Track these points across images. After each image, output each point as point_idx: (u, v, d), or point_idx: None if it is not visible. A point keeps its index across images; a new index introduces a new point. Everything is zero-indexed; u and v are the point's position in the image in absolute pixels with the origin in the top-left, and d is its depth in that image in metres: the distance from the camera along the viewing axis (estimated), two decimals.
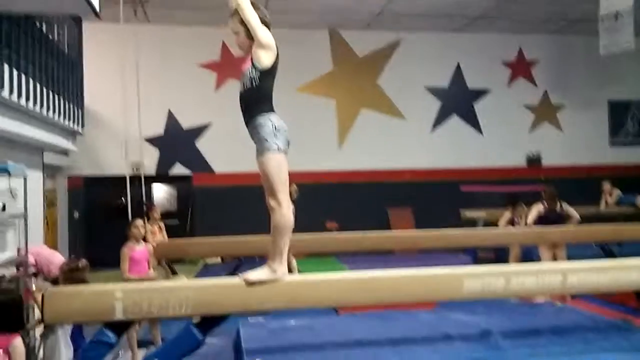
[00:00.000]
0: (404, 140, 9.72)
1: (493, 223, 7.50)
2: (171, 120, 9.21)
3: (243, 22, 2.52)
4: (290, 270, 6.51)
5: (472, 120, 10.15)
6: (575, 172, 9.96)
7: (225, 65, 9.34)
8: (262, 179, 2.46)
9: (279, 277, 2.34)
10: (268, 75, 2.53)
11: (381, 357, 3.23)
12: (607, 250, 4.65)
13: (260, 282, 2.30)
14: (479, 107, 10.19)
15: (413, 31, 9.76)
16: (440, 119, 10.02)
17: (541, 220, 6.28)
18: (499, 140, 10.03)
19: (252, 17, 2.48)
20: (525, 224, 6.39)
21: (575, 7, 8.70)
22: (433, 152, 9.79)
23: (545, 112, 10.38)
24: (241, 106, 2.59)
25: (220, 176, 9.25)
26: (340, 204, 9.25)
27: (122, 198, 8.54)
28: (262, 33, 2.50)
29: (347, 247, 4.40)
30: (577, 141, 10.29)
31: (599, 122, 10.59)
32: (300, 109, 9.49)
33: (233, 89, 9.30)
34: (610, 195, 8.78)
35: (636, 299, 4.34)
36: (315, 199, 8.61)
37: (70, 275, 3.75)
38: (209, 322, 2.37)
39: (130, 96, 8.43)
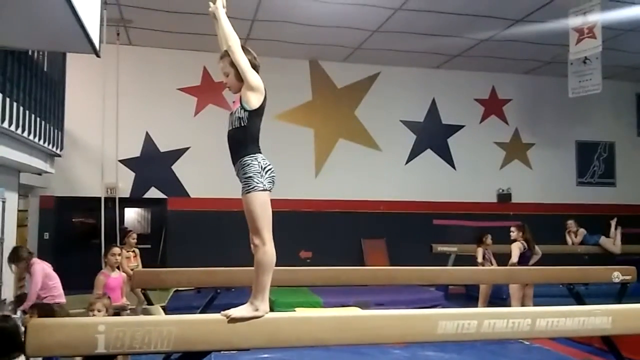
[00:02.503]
0: (380, 172, 9.88)
1: (464, 257, 7.68)
2: (148, 142, 9.18)
3: (233, 64, 2.60)
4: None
5: (445, 154, 10.39)
6: (543, 210, 10.25)
7: (205, 91, 9.40)
8: (246, 216, 2.52)
9: (261, 315, 2.38)
10: (256, 116, 2.62)
11: None
12: (573, 291, 4.80)
13: (243, 320, 2.34)
14: (453, 142, 10.45)
15: (391, 65, 10.01)
16: (415, 152, 10.23)
17: (522, 257, 6.45)
18: (471, 176, 10.29)
19: (242, 61, 2.58)
20: (511, 263, 6.47)
21: (547, 50, 9.08)
22: (407, 184, 9.97)
23: (515, 149, 10.70)
24: (229, 145, 2.67)
25: (195, 201, 9.22)
26: (315, 233, 9.31)
27: (95, 220, 8.50)
28: (252, 77, 2.59)
29: (323, 281, 4.45)
30: (546, 179, 10.61)
31: (567, 162, 10.96)
32: (279, 136, 9.58)
33: (212, 114, 9.42)
34: (576, 234, 9.05)
35: (601, 340, 4.50)
36: (290, 228, 8.64)
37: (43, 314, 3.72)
38: (190, 357, 2.38)
39: (109, 117, 8.44)
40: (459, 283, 7.55)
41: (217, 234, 8.82)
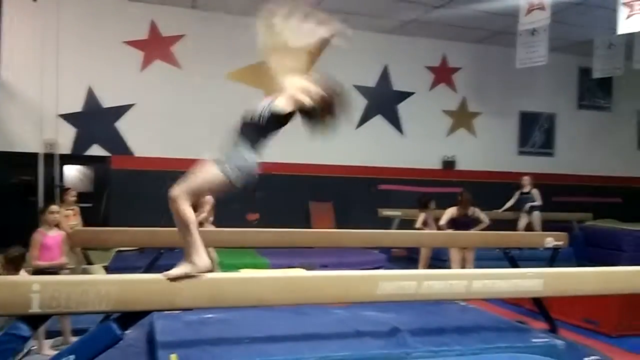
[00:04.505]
0: (330, 136, 9.86)
1: (408, 221, 7.87)
2: (91, 97, 8.80)
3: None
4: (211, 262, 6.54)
5: (394, 121, 10.50)
6: (485, 177, 10.58)
7: (153, 45, 9.06)
8: (190, 172, 2.45)
9: (201, 269, 2.32)
10: (276, 123, 2.58)
11: (295, 351, 3.34)
12: (508, 255, 5.03)
13: (182, 277, 2.30)
14: (402, 108, 10.55)
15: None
16: (365, 118, 10.28)
17: (454, 222, 6.71)
18: (418, 142, 10.46)
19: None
20: (438, 226, 6.77)
21: (497, 20, 9.20)
22: (356, 149, 10.04)
23: (462, 118, 10.93)
24: (239, 126, 2.58)
25: (140, 159, 8.99)
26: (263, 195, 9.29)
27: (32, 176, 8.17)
28: (305, 99, 2.55)
29: (269, 243, 4.47)
30: (489, 148, 10.93)
31: (510, 131, 11.30)
32: (228, 96, 9.41)
33: (160, 70, 9.11)
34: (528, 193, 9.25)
35: (532, 302, 4.77)
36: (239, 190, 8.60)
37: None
38: (130, 317, 2.35)
39: (49, 69, 8.03)
40: (401, 246, 7.77)
41: (162, 193, 8.64)
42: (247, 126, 2.55)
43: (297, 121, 9.12)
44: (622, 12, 7.02)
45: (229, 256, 6.86)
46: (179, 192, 2.39)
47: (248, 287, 2.47)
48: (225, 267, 6.42)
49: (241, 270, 5.62)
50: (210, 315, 3.95)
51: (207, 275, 2.36)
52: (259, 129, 2.54)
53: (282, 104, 2.54)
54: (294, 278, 2.68)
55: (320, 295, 2.65)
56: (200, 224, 6.07)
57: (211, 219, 6.53)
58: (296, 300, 2.62)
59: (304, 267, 6.04)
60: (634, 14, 6.93)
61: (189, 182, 2.42)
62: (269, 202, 9.19)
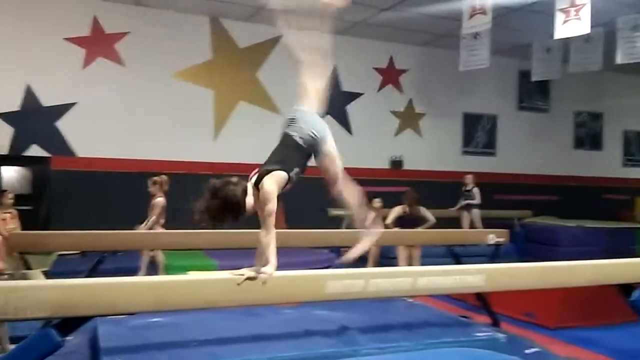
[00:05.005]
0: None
1: None
2: (30, 96, 8.46)
3: None
4: (156, 265, 6.39)
5: (343, 121, 10.60)
6: (431, 176, 10.84)
7: (95, 42, 8.80)
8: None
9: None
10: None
11: (244, 352, 3.32)
12: (452, 252, 5.18)
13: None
14: (351, 109, 10.66)
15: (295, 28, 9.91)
16: None
17: (401, 220, 6.84)
18: (367, 143, 10.59)
19: None
20: (385, 224, 6.87)
21: (441, 23, 9.45)
22: None
23: (409, 119, 11.15)
24: (278, 146, 2.86)
25: (82, 160, 8.70)
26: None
27: None
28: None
29: (218, 244, 4.42)
30: (435, 148, 11.20)
31: (454, 132, 11.62)
32: (176, 95, 9.27)
33: (102, 68, 8.85)
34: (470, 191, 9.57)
35: (476, 298, 4.92)
36: (187, 190, 8.46)
37: None
38: (70, 323, 2.28)
39: None
40: (348, 245, 7.82)
41: (105, 195, 8.42)
42: (285, 151, 2.80)
43: (247, 122, 9.06)
44: (559, 17, 7.36)
45: (177, 258, 6.76)
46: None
47: (195, 289, 2.44)
48: (172, 270, 6.32)
49: (189, 272, 5.53)
50: (156, 319, 3.86)
51: (152, 279, 2.32)
52: (301, 150, 2.84)
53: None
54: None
55: (269, 296, 2.65)
56: (151, 228, 6.00)
57: (162, 221, 6.41)
58: (245, 301, 2.61)
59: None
60: (569, 20, 7.28)
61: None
62: None
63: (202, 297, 2.44)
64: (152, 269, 6.35)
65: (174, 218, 6.52)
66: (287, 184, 2.68)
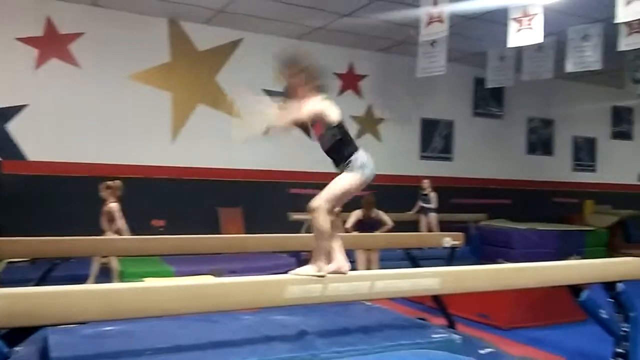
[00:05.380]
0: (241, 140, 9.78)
1: None
2: None
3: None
4: (111, 272, 6.24)
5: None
6: (390, 180, 10.95)
7: (48, 43, 8.53)
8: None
9: (323, 275, 2.71)
10: (343, 124, 2.94)
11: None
12: (409, 256, 5.26)
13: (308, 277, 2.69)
14: None
15: (255, 32, 9.89)
16: None
17: (359, 224, 6.90)
18: None
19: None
20: (345, 228, 6.93)
21: (400, 30, 9.59)
22: (265, 153, 10.02)
23: (368, 124, 11.26)
24: (331, 157, 3.03)
25: (34, 164, 8.42)
26: (169, 200, 9.04)
27: None
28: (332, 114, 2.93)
29: (175, 250, 4.35)
30: (393, 153, 11.33)
31: (412, 137, 11.80)
32: (132, 97, 9.10)
33: (56, 69, 8.59)
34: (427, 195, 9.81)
35: (432, 300, 5.01)
36: (143, 195, 8.32)
37: None
38: (18, 333, 2.20)
39: None
40: (308, 249, 7.83)
41: (57, 200, 8.17)
42: (338, 151, 2.95)
43: (206, 125, 8.99)
44: (512, 27, 7.59)
45: (132, 265, 6.62)
46: (320, 203, 2.76)
47: (150, 296, 2.39)
48: (127, 277, 6.19)
49: (145, 279, 5.42)
50: (110, 328, 3.76)
51: (105, 286, 2.27)
52: (342, 141, 2.97)
53: (330, 117, 2.97)
54: (200, 286, 2.63)
55: (227, 302, 2.62)
56: (117, 232, 5.85)
57: (116, 227, 6.27)
58: (202, 308, 2.57)
59: (212, 274, 5.94)
60: (522, 29, 7.52)
61: (329, 193, 2.79)
62: (175, 208, 8.96)
63: (158, 305, 2.39)
64: (107, 276, 6.21)
65: (130, 224, 6.42)
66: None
